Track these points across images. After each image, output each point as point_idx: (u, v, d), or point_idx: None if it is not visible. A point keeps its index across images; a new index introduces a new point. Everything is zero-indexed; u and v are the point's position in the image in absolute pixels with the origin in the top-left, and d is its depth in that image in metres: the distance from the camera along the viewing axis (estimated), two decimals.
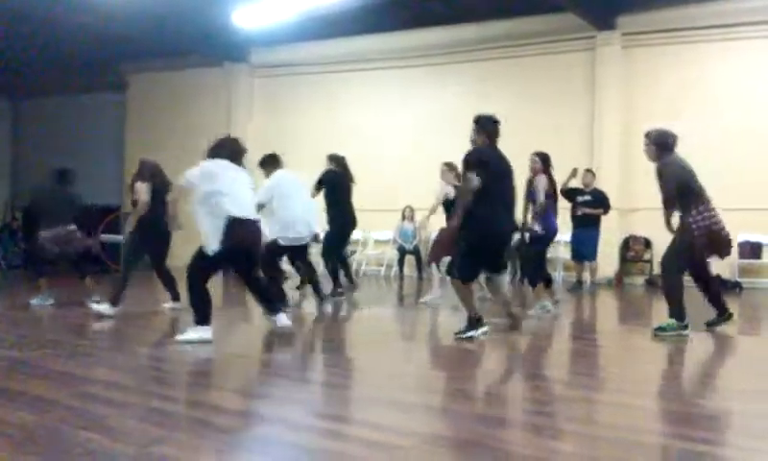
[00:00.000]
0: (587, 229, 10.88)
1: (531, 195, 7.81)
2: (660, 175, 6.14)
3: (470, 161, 5.92)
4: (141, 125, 16.51)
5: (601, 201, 10.93)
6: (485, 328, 6.02)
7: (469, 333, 5.95)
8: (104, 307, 7.42)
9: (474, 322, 6.00)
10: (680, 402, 4.34)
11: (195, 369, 5.31)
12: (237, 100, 15.71)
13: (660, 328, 6.16)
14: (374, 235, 14.18)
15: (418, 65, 14.12)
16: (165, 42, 14.14)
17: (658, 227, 6.63)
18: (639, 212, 11.90)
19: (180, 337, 5.81)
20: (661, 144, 6.15)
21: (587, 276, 11.43)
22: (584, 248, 11.00)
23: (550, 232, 7.89)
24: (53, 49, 14.81)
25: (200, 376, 5.04)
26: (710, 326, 6.47)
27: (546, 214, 7.77)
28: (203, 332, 5.75)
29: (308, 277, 8.74)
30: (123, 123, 17.12)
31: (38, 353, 5.62)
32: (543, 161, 7.89)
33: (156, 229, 7.57)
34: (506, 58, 13.46)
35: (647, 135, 6.29)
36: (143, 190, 7.63)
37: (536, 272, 7.98)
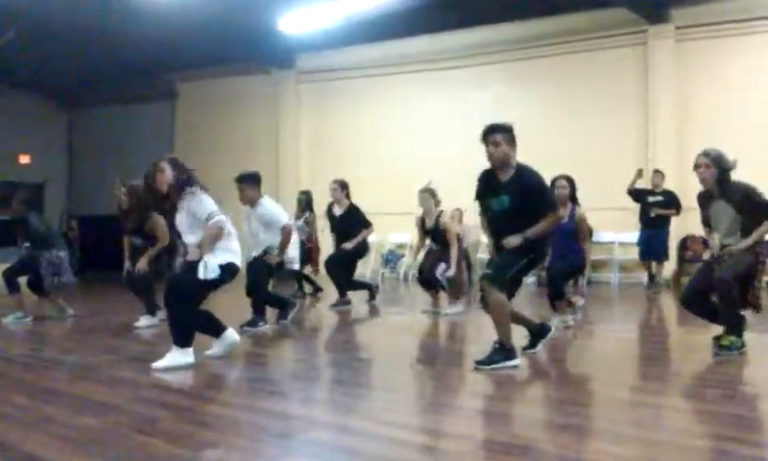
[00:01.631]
0: (656, 229, 10.97)
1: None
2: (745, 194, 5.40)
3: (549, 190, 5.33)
4: (191, 133, 16.79)
5: (672, 202, 10.88)
6: (517, 361, 5.04)
7: (501, 364, 4.92)
8: (146, 320, 7.45)
9: (508, 350, 5.00)
10: (741, 406, 4.19)
11: (249, 374, 5.34)
12: (285, 106, 15.85)
13: (724, 347, 5.39)
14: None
15: (465, 66, 14.01)
16: (214, 51, 14.36)
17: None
18: (697, 212, 11.57)
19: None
20: (726, 168, 5.40)
21: (665, 274, 11.35)
22: (653, 248, 11.03)
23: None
24: (105, 60, 15.16)
25: (254, 381, 5.06)
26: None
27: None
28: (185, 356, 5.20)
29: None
30: (173, 131, 17.45)
31: (97, 359, 5.73)
32: (572, 186, 6.93)
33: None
34: (554, 55, 13.25)
35: (706, 155, 5.42)
36: (162, 223, 7.25)
37: (557, 285, 6.99)
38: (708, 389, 4.69)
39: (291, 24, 12.50)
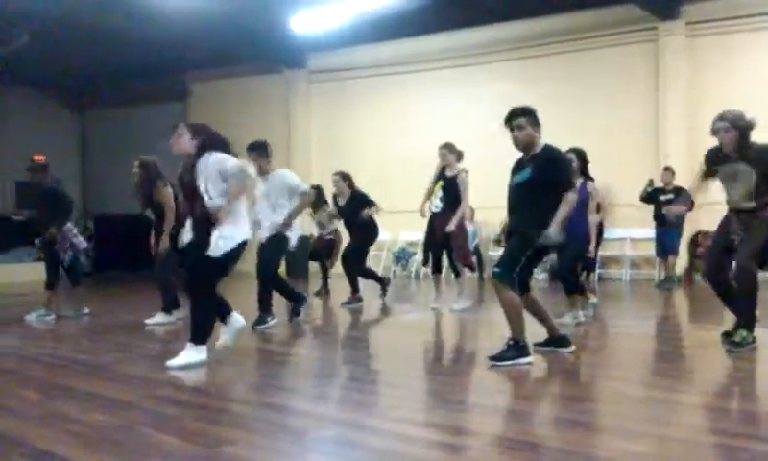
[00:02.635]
0: (669, 226, 11.00)
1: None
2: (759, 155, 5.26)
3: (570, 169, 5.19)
4: None
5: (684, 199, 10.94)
6: (530, 358, 5.02)
7: (514, 361, 4.94)
8: (160, 317, 7.49)
9: (522, 347, 5.00)
10: (753, 402, 4.18)
11: (262, 371, 5.37)
12: (296, 105, 15.90)
13: (737, 344, 5.32)
14: None
15: (475, 64, 14.01)
16: (225, 51, 14.41)
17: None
18: (708, 207, 11.51)
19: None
20: (746, 128, 5.27)
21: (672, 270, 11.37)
22: (666, 243, 11.18)
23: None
24: (117, 60, 15.26)
25: (269, 378, 5.08)
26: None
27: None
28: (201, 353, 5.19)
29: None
30: None
31: (111, 357, 5.78)
32: (581, 160, 6.92)
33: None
34: (564, 53, 13.23)
35: (722, 118, 5.30)
36: (170, 194, 7.18)
37: (568, 278, 6.99)
38: (720, 385, 4.68)
39: (302, 24, 12.53)
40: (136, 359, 5.68)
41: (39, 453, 3.24)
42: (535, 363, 5.02)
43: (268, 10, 12.28)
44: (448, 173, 8.16)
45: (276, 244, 7.10)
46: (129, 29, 12.66)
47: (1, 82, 16.44)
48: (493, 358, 4.98)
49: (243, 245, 5.25)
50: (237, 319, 5.55)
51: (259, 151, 7.15)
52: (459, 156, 8.23)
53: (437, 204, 8.22)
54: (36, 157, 8.57)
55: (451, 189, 8.07)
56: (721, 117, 5.33)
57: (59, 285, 8.25)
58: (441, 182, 8.17)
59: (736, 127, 5.25)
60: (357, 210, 9.06)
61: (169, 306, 7.54)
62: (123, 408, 4.03)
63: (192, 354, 5.12)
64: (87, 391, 4.52)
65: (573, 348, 5.45)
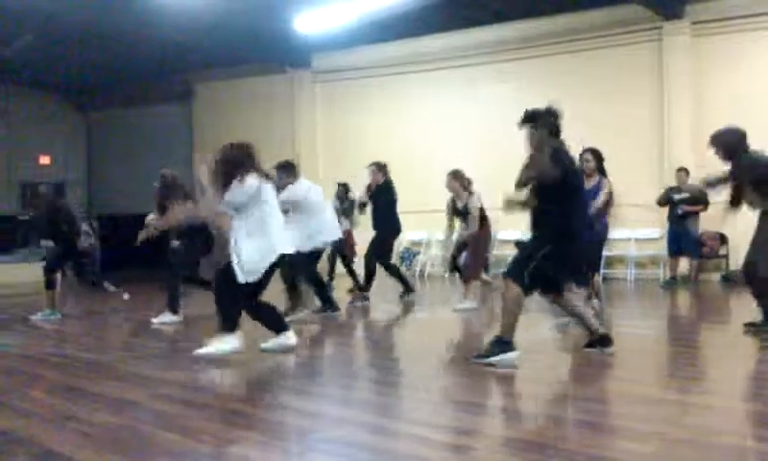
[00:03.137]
0: (685, 225, 11.01)
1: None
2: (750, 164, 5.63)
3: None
4: (208, 133, 16.86)
5: (699, 198, 10.96)
6: (514, 355, 4.93)
7: (497, 358, 4.89)
8: (164, 317, 7.53)
9: (505, 344, 4.94)
10: (765, 403, 4.14)
11: (271, 371, 5.36)
12: (301, 106, 15.89)
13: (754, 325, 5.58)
14: (438, 236, 14.10)
15: (479, 64, 13.98)
16: (230, 51, 14.42)
17: (733, 222, 6.32)
18: (714, 207, 11.50)
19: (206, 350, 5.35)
20: (729, 144, 5.71)
21: (682, 271, 11.33)
22: (684, 244, 11.13)
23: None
24: (122, 61, 15.27)
25: (281, 379, 5.07)
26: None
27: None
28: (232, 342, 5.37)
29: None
30: (191, 131, 17.54)
31: (115, 356, 5.78)
32: (597, 158, 7.03)
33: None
34: (568, 52, 13.17)
35: (710, 139, 5.82)
36: (176, 207, 7.47)
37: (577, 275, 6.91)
38: (731, 386, 4.64)
39: (307, 24, 12.52)
40: (142, 359, 5.68)
41: (45, 452, 3.24)
42: (543, 364, 4.99)
43: (272, 10, 12.27)
44: (459, 204, 8.39)
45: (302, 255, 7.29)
46: (133, 29, 12.67)
47: (6, 83, 16.49)
48: (477, 356, 4.98)
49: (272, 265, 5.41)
50: (290, 336, 5.64)
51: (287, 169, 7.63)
52: (468, 183, 8.36)
53: (464, 231, 8.47)
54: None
55: (466, 217, 8.34)
56: (710, 137, 5.89)
57: (57, 284, 8.34)
58: (455, 217, 8.51)
59: (717, 144, 5.79)
60: (382, 199, 9.09)
61: (174, 306, 7.55)
62: (129, 407, 4.03)
63: (222, 343, 5.20)
64: (93, 390, 4.52)
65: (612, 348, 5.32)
